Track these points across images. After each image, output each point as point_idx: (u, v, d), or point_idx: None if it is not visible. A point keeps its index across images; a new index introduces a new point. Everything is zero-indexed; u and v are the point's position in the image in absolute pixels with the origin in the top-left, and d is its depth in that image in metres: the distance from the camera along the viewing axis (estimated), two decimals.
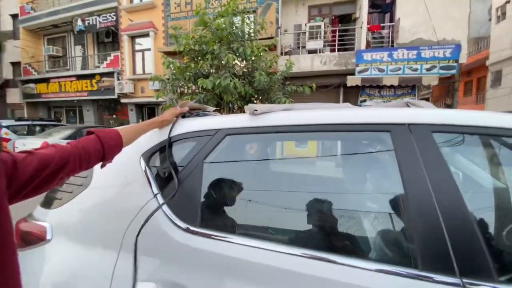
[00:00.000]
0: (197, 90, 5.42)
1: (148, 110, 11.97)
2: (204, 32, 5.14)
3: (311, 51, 7.86)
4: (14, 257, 0.52)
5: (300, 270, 0.66)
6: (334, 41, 7.87)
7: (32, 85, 12.63)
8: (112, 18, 11.09)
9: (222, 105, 5.49)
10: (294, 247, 0.70)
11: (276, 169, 0.98)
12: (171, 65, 5.20)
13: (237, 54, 4.88)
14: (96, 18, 11.24)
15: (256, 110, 0.86)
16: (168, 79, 5.42)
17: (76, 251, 0.84)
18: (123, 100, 11.35)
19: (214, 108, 1.13)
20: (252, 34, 5.56)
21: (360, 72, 7.26)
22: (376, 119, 0.76)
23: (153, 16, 10.49)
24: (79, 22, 11.46)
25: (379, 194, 1.04)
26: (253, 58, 5.13)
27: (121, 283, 0.59)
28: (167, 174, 0.83)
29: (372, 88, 7.34)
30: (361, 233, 0.92)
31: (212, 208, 0.85)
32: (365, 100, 7.32)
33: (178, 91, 5.43)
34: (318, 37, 7.89)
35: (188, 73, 5.05)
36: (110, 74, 11.21)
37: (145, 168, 0.87)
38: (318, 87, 5.44)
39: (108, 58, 11.76)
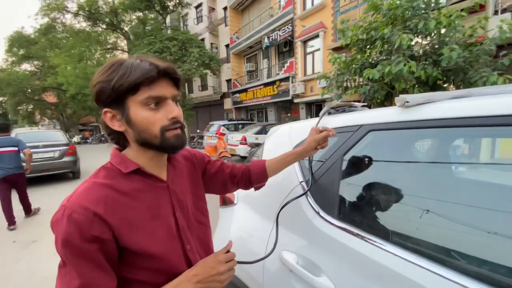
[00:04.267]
0: (363, 82, 5.12)
1: (315, 107, 12.77)
2: (374, 18, 4.72)
3: None
4: (208, 221, 0.76)
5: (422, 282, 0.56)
6: None
7: (237, 95, 17.29)
8: (289, 29, 12.77)
9: (394, 96, 4.82)
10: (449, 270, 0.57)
11: (430, 169, 0.79)
12: (337, 60, 5.24)
13: (417, 31, 4.06)
14: (277, 33, 13.41)
15: (408, 102, 0.75)
16: (333, 75, 5.52)
17: (251, 215, 1.18)
18: (295, 100, 12.84)
19: (362, 104, 1.08)
20: (441, 0, 4.36)
21: None
22: None
23: (323, 16, 10.96)
24: (266, 40, 14.16)
25: None
26: (441, 30, 4.05)
27: (272, 247, 0.77)
28: (310, 166, 0.93)
29: None
30: None
31: (350, 204, 0.85)
32: None
33: (343, 86, 5.39)
34: None
35: (353, 66, 4.87)
36: (286, 79, 13.06)
37: None
38: None
39: (285, 65, 13.70)
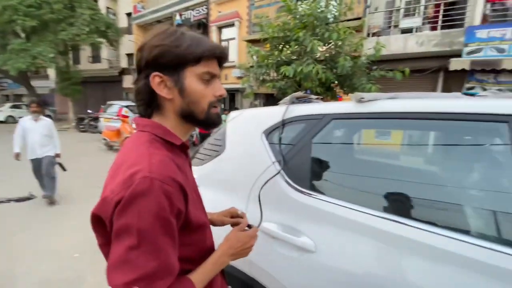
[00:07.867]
0: (277, 78, 5.63)
1: (229, 96, 13.07)
2: (288, 19, 5.22)
3: (405, 31, 6.90)
4: None
5: (375, 225, 0.83)
6: (437, 17, 6.71)
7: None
8: (204, 11, 12.30)
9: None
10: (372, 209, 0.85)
11: (371, 154, 1.09)
12: (256, 54, 5.52)
13: (323, 39, 4.80)
14: (190, 12, 12.67)
15: (363, 98, 0.98)
16: (252, 66, 5.81)
17: (217, 195, 1.18)
18: None
19: (317, 97, 1.28)
20: (338, 16, 5.30)
21: (469, 53, 6.01)
22: (493, 109, 0.77)
23: (239, 6, 11.13)
24: (177, 17, 13.14)
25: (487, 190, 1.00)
26: (339, 42, 4.94)
27: (251, 220, 0.85)
28: (280, 148, 1.06)
29: (485, 73, 6.04)
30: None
31: (320, 177, 1.05)
32: (473, 87, 6.12)
33: (260, 78, 5.76)
34: (416, 14, 6.91)
35: (270, 61, 5.28)
36: None
37: (266, 142, 1.12)
38: (411, 72, 4.86)
39: None
